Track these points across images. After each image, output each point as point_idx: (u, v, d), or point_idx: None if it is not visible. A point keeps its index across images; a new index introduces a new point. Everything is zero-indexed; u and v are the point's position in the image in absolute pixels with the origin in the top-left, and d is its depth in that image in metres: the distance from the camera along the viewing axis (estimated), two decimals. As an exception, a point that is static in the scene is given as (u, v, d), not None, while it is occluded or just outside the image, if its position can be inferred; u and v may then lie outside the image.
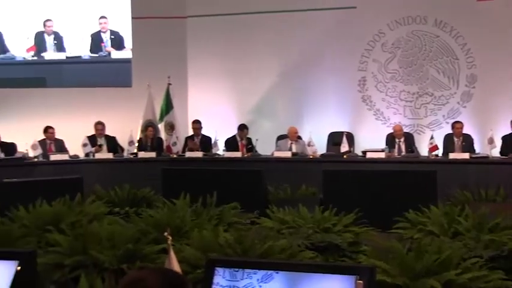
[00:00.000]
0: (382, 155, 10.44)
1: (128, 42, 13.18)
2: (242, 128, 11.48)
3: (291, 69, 12.43)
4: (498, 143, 10.47)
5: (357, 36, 12.19)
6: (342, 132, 11.11)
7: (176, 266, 3.11)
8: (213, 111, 12.37)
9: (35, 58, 13.31)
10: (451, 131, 10.96)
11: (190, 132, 11.81)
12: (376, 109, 12.24)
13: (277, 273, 3.29)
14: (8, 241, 6.53)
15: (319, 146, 11.12)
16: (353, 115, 12.25)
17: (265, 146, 11.31)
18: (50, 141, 11.31)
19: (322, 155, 10.85)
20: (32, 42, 13.22)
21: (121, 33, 13.23)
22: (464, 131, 10.88)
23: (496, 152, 10.37)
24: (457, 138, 10.77)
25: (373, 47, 12.23)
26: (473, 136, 10.96)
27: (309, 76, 12.33)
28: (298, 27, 12.33)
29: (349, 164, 10.36)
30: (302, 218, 7.24)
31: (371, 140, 11.46)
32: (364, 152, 10.66)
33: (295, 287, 3.22)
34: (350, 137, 11.17)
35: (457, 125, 10.89)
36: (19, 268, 3.75)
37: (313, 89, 12.34)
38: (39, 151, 10.78)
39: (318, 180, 8.95)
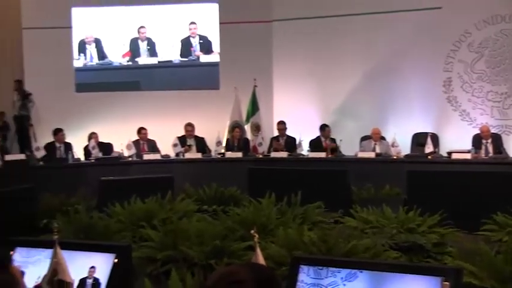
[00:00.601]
0: (469, 156, 10.16)
1: (216, 46, 13.31)
2: (323, 127, 11.44)
3: (375, 71, 12.24)
4: None
5: (443, 36, 11.88)
6: (427, 133, 10.90)
7: (262, 263, 3.06)
8: (297, 113, 12.33)
9: (130, 63, 13.63)
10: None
11: (276, 133, 11.80)
12: (461, 110, 11.92)
13: (361, 272, 3.24)
14: (105, 235, 6.77)
15: (403, 147, 10.90)
16: (438, 116, 11.96)
17: (348, 147, 11.16)
18: (143, 141, 11.55)
19: (406, 155, 10.63)
20: (127, 48, 13.56)
21: (209, 38, 13.37)
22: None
23: None
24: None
25: (459, 48, 11.90)
26: None
27: (393, 77, 12.14)
28: (382, 29, 12.15)
29: (434, 165, 10.12)
30: (386, 218, 7.15)
31: (456, 141, 11.17)
32: (450, 153, 10.39)
33: (379, 286, 3.17)
34: (435, 138, 10.93)
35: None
36: (116, 260, 3.84)
37: (398, 89, 12.14)
38: (133, 151, 11.03)
39: (401, 181, 8.76)
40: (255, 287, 1.58)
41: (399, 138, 10.85)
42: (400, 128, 11.46)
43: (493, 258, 5.25)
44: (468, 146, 10.61)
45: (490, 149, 10.44)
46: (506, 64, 11.66)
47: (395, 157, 10.47)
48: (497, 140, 10.68)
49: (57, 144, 11.33)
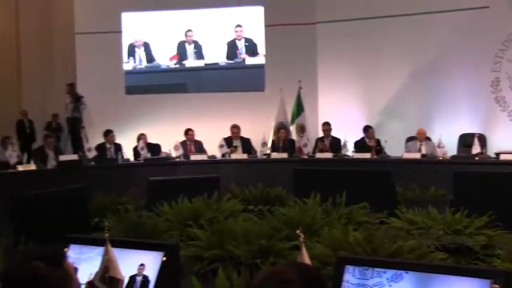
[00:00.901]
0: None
1: (261, 48, 13.34)
2: (367, 128, 11.37)
3: (421, 71, 12.12)
4: None
5: (490, 36, 11.68)
6: (473, 134, 10.70)
7: (308, 263, 3.05)
8: (342, 114, 12.29)
9: (177, 66, 13.76)
10: None
11: (321, 134, 11.76)
12: (510, 110, 11.73)
13: (407, 273, 3.21)
14: (154, 234, 6.81)
15: (450, 148, 10.74)
16: (485, 117, 11.76)
17: (394, 148, 11.06)
18: (190, 142, 11.61)
19: (452, 156, 10.47)
20: (174, 51, 13.70)
21: (255, 41, 13.42)
22: None
23: None
24: None
25: (507, 47, 11.69)
26: None
27: (439, 77, 11.98)
28: (428, 30, 12.01)
29: (481, 166, 9.91)
30: (432, 219, 7.07)
31: (505, 142, 10.99)
32: (498, 154, 10.17)
33: (426, 287, 3.11)
34: (482, 139, 10.74)
35: None
36: (164, 259, 3.87)
37: (444, 90, 11.96)
38: (180, 152, 11.10)
39: (447, 182, 8.62)
40: (302, 287, 1.57)
41: (445, 139, 10.68)
42: (446, 129, 11.29)
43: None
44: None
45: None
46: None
47: (441, 158, 10.32)
48: (547, 141, 10.52)
49: (108, 145, 11.48)
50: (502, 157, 9.96)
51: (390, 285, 3.17)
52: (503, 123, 11.66)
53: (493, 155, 10.31)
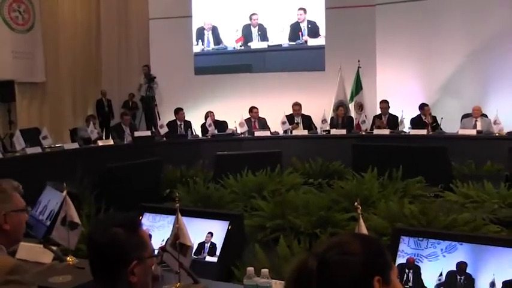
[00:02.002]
0: None
1: (322, 30, 13.27)
2: (422, 106, 11.13)
3: (478, 49, 11.83)
4: None
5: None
6: (530, 110, 10.44)
7: (365, 233, 3.06)
8: (400, 91, 12.12)
9: (243, 47, 13.82)
10: None
11: (378, 111, 11.64)
12: None
13: (461, 244, 3.22)
14: (220, 204, 6.96)
15: (506, 124, 10.48)
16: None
17: (449, 124, 10.87)
18: (255, 119, 11.66)
19: (508, 132, 10.20)
20: (240, 34, 13.74)
21: (316, 23, 13.33)
22: None
23: None
24: None
25: None
26: None
27: (497, 55, 11.68)
28: (485, 7, 11.67)
29: None
30: (487, 193, 7.00)
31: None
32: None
33: (479, 258, 3.13)
34: (539, 115, 10.42)
35: None
36: (230, 227, 3.96)
37: (501, 67, 11.65)
38: (245, 128, 11.15)
39: (503, 158, 8.52)
40: (365, 259, 1.55)
41: (502, 116, 10.42)
42: (503, 105, 10.99)
43: None
44: None
45: None
46: None
47: (497, 134, 10.10)
48: None
49: (178, 122, 11.63)
50: None
51: (444, 256, 3.18)
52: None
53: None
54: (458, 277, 3.11)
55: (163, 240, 3.11)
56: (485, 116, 10.76)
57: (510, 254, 3.05)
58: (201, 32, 13.95)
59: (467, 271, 3.09)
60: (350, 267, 1.52)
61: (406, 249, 3.23)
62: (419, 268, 3.13)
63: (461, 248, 3.18)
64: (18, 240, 2.48)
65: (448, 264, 3.14)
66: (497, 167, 8.65)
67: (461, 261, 3.12)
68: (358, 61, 12.27)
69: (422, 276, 3.15)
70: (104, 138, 10.69)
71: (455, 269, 3.12)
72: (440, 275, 3.14)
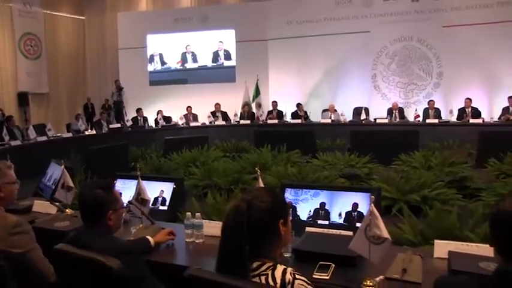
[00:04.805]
0: (386, 121, 10.14)
1: (234, 55, 13.13)
2: (298, 105, 11.31)
3: (332, 67, 12.01)
4: (455, 113, 10.07)
5: (370, 48, 11.74)
6: (361, 107, 10.86)
7: (262, 186, 3.11)
8: (284, 95, 12.02)
9: (181, 67, 13.50)
10: (427, 106, 10.55)
11: (271, 108, 11.73)
12: (382, 93, 11.84)
13: (322, 191, 3.28)
14: (168, 171, 6.96)
15: (348, 116, 10.89)
16: (368, 96, 11.81)
17: (315, 116, 11.15)
18: (190, 114, 11.54)
19: (350, 121, 10.61)
20: (179, 58, 13.48)
21: (230, 51, 13.20)
22: (436, 106, 10.48)
23: (454, 118, 9.95)
24: (431, 110, 10.35)
25: (380, 55, 11.76)
26: (441, 109, 10.51)
27: (341, 73, 11.95)
28: (337, 39, 11.90)
29: (368, 127, 9.94)
30: (337, 159, 7.26)
31: (378, 112, 11.04)
32: (375, 119, 10.35)
33: (334, 199, 3.21)
34: (366, 110, 10.86)
35: (431, 102, 10.53)
36: (175, 186, 3.91)
37: (344, 81, 11.95)
38: (184, 120, 11.23)
39: (347, 136, 8.78)
40: (273, 206, 1.56)
41: (345, 110, 10.85)
42: (346, 104, 11.36)
43: (399, 181, 5.35)
44: (385, 114, 10.62)
45: (397, 116, 10.45)
46: (407, 65, 11.57)
47: (343, 122, 10.43)
48: (401, 111, 10.68)
49: (139, 118, 11.38)
50: (378, 121, 10.17)
51: (312, 199, 3.24)
52: (377, 100, 11.72)
53: (373, 120, 10.45)
54: (321, 212, 3.19)
55: (130, 197, 3.05)
56: (336, 110, 11.09)
57: (351, 196, 3.17)
58: (151, 57, 13.55)
59: (325, 207, 3.19)
60: (265, 211, 1.54)
61: (289, 196, 3.28)
62: (295, 208, 3.20)
63: (322, 193, 3.24)
64: (12, 204, 2.41)
65: (315, 204, 3.21)
66: (343, 142, 8.91)
67: (322, 202, 3.20)
68: (257, 76, 12.26)
69: (299, 213, 3.22)
70: (89, 130, 10.34)
71: (318, 207, 3.21)
72: (310, 211, 3.23)
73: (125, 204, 2.37)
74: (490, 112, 10.25)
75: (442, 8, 11.10)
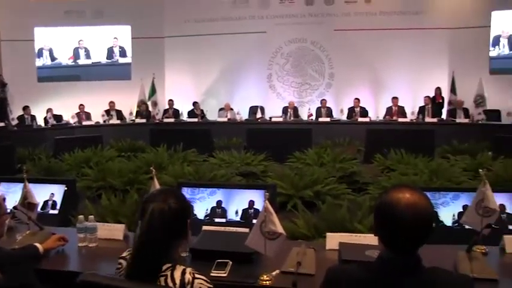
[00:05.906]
0: (281, 119, 10.47)
1: (129, 52, 12.62)
2: (194, 104, 11.26)
3: (227, 68, 12.02)
4: (346, 112, 10.69)
5: (267, 49, 11.99)
6: (257, 106, 11.03)
7: (158, 187, 3.04)
8: (180, 94, 11.89)
9: (73, 63, 12.67)
10: (320, 105, 11.09)
11: (167, 107, 11.53)
12: (277, 92, 12.15)
13: (219, 189, 3.31)
14: (59, 173, 6.59)
15: (244, 114, 11.07)
16: (263, 95, 11.98)
17: (212, 115, 11.19)
18: (82, 113, 11.04)
19: (246, 119, 10.78)
20: (71, 54, 12.60)
21: (125, 47, 12.65)
22: (327, 105, 11.04)
23: (344, 117, 10.58)
24: (323, 109, 10.94)
25: (275, 56, 12.08)
26: (332, 108, 11.09)
27: (237, 72, 11.99)
28: (236, 40, 11.90)
29: (264, 125, 10.14)
30: (233, 157, 7.32)
31: (273, 110, 11.37)
32: (270, 118, 10.64)
33: (230, 197, 3.26)
34: (262, 109, 11.09)
35: (323, 102, 11.12)
36: (66, 189, 3.71)
37: (240, 80, 12.05)
38: (76, 119, 10.61)
39: (243, 135, 8.86)
40: (185, 206, 1.60)
41: (241, 109, 10.99)
42: (242, 103, 11.50)
43: (293, 177, 5.52)
44: (280, 113, 10.96)
45: (292, 114, 10.86)
46: (301, 66, 12.02)
47: (238, 120, 10.55)
48: (296, 110, 11.12)
49: (26, 116, 10.47)
50: (273, 119, 10.48)
51: (209, 197, 3.27)
52: (273, 100, 11.99)
53: (268, 118, 10.74)
54: (217, 210, 3.22)
55: (16, 201, 2.80)
56: (232, 109, 11.21)
57: (247, 193, 3.23)
58: (40, 52, 12.48)
59: (222, 206, 3.23)
60: (179, 211, 1.56)
61: (186, 196, 3.27)
62: (192, 207, 3.19)
63: (219, 192, 3.28)
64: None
65: (211, 202, 3.24)
66: (239, 140, 8.98)
67: (219, 200, 3.24)
68: (153, 74, 11.87)
69: (196, 212, 3.21)
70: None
71: (215, 205, 3.24)
72: (207, 210, 3.24)
73: (8, 210, 2.17)
74: (376, 111, 11.02)
75: (333, 12, 11.74)
